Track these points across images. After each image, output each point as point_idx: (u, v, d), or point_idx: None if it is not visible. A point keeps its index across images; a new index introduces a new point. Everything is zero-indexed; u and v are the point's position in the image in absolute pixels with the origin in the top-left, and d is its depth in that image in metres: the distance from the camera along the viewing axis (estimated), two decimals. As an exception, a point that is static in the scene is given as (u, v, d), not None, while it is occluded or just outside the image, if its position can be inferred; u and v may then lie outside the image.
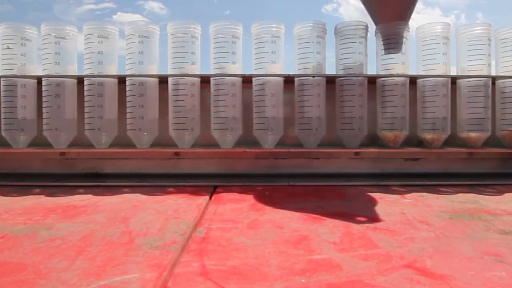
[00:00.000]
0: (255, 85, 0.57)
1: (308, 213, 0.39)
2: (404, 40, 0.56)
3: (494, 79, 0.58)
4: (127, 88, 0.55)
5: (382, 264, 0.26)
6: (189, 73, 0.55)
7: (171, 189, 0.52)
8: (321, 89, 0.57)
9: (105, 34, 0.55)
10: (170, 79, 0.56)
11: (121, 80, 0.56)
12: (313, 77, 0.56)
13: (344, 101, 0.57)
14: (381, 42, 0.57)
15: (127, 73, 0.55)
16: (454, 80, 0.58)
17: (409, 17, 0.54)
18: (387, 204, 0.45)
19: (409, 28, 0.56)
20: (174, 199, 0.47)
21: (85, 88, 0.55)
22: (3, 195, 0.48)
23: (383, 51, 0.57)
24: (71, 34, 0.56)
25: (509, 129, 0.58)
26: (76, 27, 0.57)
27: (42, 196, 0.48)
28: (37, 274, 0.24)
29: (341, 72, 0.58)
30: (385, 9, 0.54)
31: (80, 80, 0.56)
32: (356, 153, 0.61)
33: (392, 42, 0.55)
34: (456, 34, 0.58)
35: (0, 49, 0.55)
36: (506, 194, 0.50)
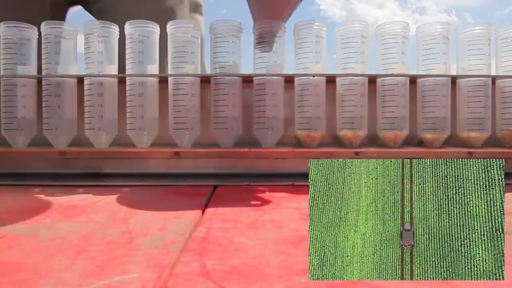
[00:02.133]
0: (255, 85, 0.57)
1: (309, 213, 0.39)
2: (276, 39, 0.55)
3: (494, 79, 0.58)
4: (127, 88, 0.55)
5: (382, 264, 0.26)
6: (189, 73, 0.55)
7: (171, 189, 0.52)
8: (321, 88, 0.57)
9: (105, 34, 0.55)
10: (170, 79, 0.56)
11: (121, 80, 0.56)
12: (313, 76, 0.56)
13: (344, 101, 0.57)
14: (255, 40, 0.57)
15: (127, 72, 0.55)
16: (454, 79, 0.58)
17: (287, 18, 0.54)
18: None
19: (285, 28, 0.56)
20: (174, 198, 0.47)
21: (85, 87, 0.55)
22: (3, 195, 0.48)
23: (256, 49, 0.57)
24: (71, 34, 0.56)
25: (509, 128, 0.58)
26: (76, 27, 0.57)
27: (42, 196, 0.48)
28: (37, 274, 0.24)
29: (341, 72, 0.57)
30: (261, 7, 0.55)
31: (80, 79, 0.56)
32: (356, 153, 0.61)
33: (263, 40, 0.55)
34: (456, 33, 0.58)
35: (0, 49, 0.55)
36: (506, 194, 0.50)
